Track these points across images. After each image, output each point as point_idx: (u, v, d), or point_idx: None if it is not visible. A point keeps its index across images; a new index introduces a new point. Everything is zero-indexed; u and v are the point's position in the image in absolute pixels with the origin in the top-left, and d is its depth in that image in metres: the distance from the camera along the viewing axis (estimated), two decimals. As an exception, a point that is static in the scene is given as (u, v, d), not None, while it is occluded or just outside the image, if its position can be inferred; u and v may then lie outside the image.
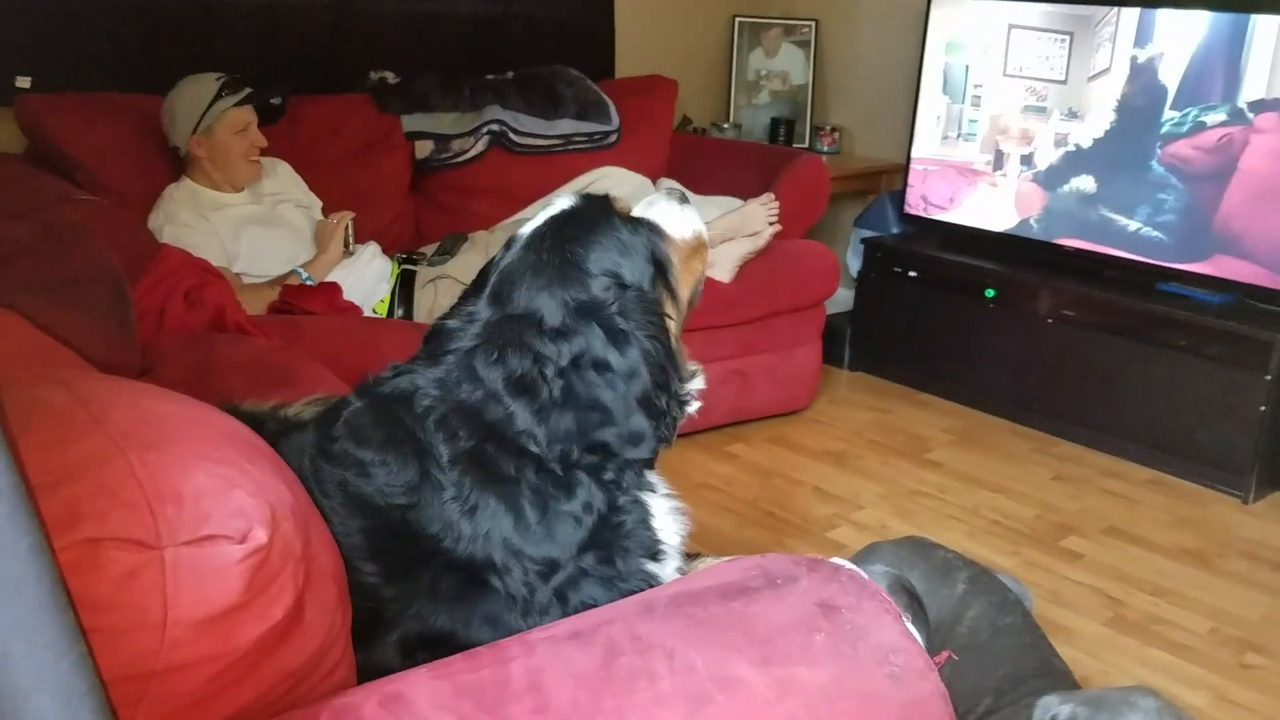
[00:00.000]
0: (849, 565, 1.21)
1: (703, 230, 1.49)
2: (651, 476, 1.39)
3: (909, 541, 2.23)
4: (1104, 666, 2.40)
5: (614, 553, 1.28)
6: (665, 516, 1.37)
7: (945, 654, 1.84)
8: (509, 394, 1.25)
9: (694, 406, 1.41)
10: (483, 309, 1.32)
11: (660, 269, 1.38)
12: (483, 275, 1.38)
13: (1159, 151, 3.44)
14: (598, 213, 1.37)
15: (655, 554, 1.32)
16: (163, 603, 0.77)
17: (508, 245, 1.38)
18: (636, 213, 1.45)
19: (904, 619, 1.12)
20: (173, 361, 2.17)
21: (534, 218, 1.39)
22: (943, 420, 3.76)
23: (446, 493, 1.22)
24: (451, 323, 1.33)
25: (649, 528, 1.32)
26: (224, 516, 0.80)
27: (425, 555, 1.21)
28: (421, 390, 1.28)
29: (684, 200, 1.50)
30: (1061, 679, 1.91)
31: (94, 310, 1.86)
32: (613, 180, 3.76)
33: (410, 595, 1.20)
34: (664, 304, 1.37)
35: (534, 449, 1.25)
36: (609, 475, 1.30)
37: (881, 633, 1.07)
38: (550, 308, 1.28)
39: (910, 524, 3.00)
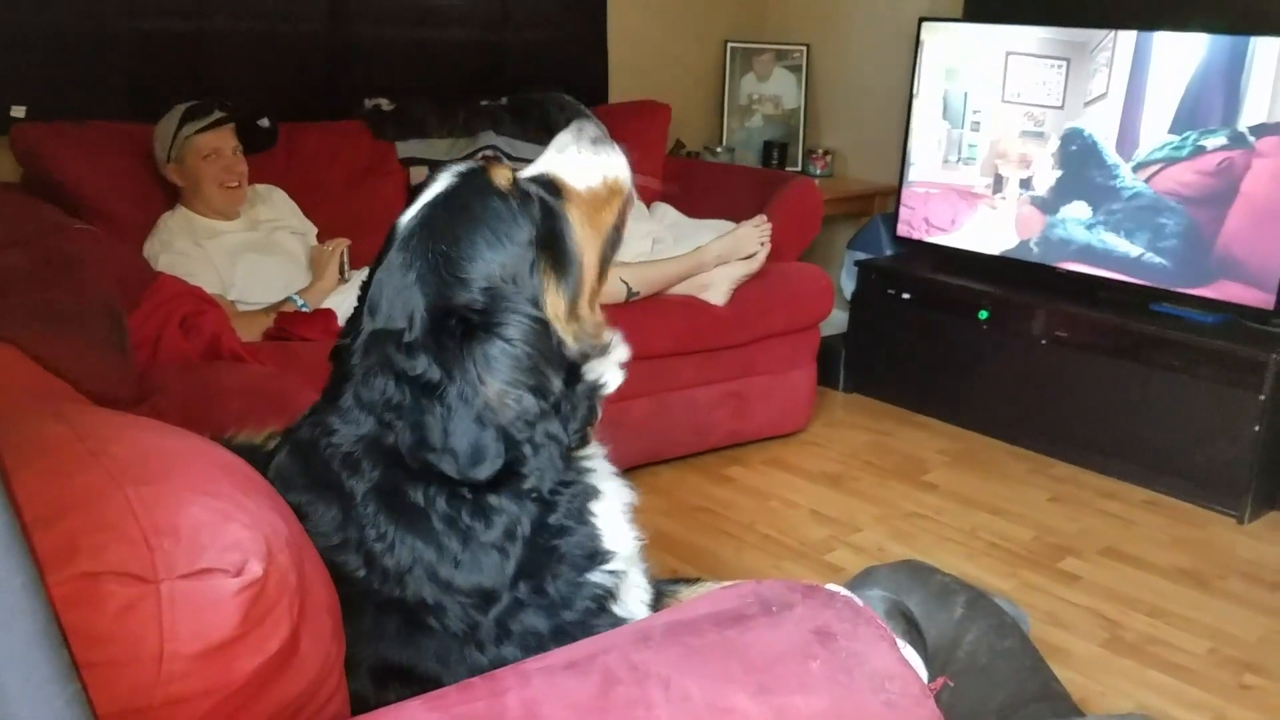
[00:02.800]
0: (844, 591, 1.21)
1: (618, 175, 1.37)
2: (590, 462, 1.31)
3: (906, 565, 2.23)
4: (1102, 688, 2.40)
5: (545, 581, 1.22)
6: (611, 511, 1.30)
7: (941, 680, 1.83)
8: (392, 418, 1.19)
9: (610, 385, 1.32)
10: (365, 319, 1.25)
11: (546, 243, 1.27)
12: (370, 276, 1.29)
13: (1158, 175, 3.45)
14: (470, 195, 1.26)
15: (599, 563, 1.26)
16: (159, 636, 0.77)
17: (388, 238, 1.28)
18: (540, 165, 1.36)
19: (900, 645, 1.12)
20: (168, 390, 2.17)
21: (415, 201, 1.29)
22: (939, 442, 3.76)
23: (367, 531, 1.18)
24: (344, 340, 1.28)
25: (588, 541, 1.26)
26: (220, 550, 0.80)
27: (358, 597, 1.17)
28: (325, 428, 1.23)
29: (597, 140, 1.37)
30: (1061, 703, 1.91)
31: (90, 339, 1.86)
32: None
33: (356, 637, 1.14)
34: (545, 288, 1.26)
35: (438, 468, 1.18)
36: (528, 484, 1.22)
37: (877, 659, 1.07)
38: (409, 319, 1.19)
39: (907, 546, 3.00)
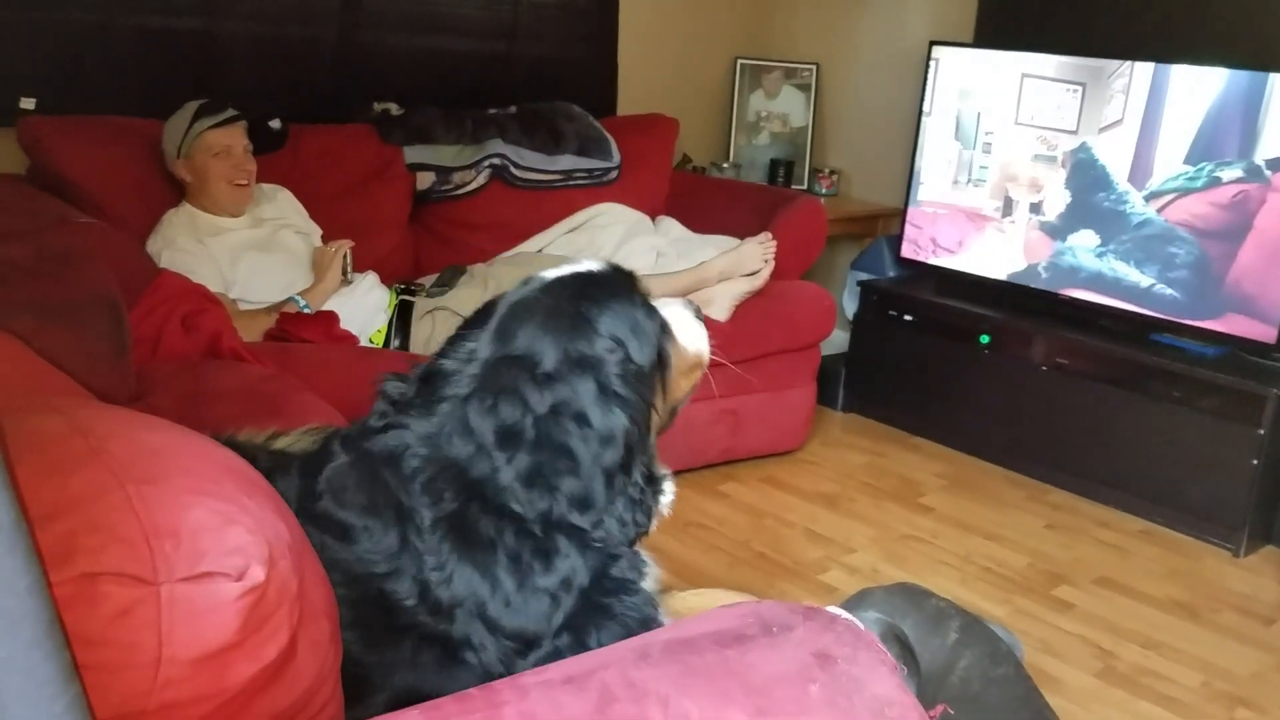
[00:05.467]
0: (845, 614, 1.20)
1: (705, 353, 1.48)
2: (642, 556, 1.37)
3: (901, 588, 2.22)
4: (1093, 719, 2.39)
5: (588, 636, 1.25)
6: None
7: (941, 707, 1.82)
8: (497, 447, 1.22)
9: (664, 507, 1.39)
10: (484, 345, 1.28)
11: (663, 361, 1.36)
12: (489, 308, 1.34)
13: (1171, 206, 3.44)
14: (621, 284, 1.36)
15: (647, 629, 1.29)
16: (157, 640, 0.76)
17: (525, 282, 1.35)
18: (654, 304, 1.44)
19: (900, 671, 1.11)
20: (166, 387, 2.17)
21: (549, 264, 1.38)
22: (936, 465, 3.76)
23: (426, 561, 1.19)
24: (449, 364, 1.29)
25: (644, 607, 1.29)
26: (222, 553, 0.79)
27: (403, 627, 1.18)
28: (411, 450, 1.24)
29: (699, 315, 1.49)
30: (1053, 732, 1.89)
31: (90, 334, 1.85)
32: (611, 216, 3.78)
33: (391, 665, 1.16)
34: (656, 394, 1.35)
35: (515, 508, 1.22)
36: (596, 535, 1.27)
37: (877, 685, 1.07)
38: (550, 353, 1.25)
39: (902, 569, 2.99)
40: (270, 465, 1.33)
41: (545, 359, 1.25)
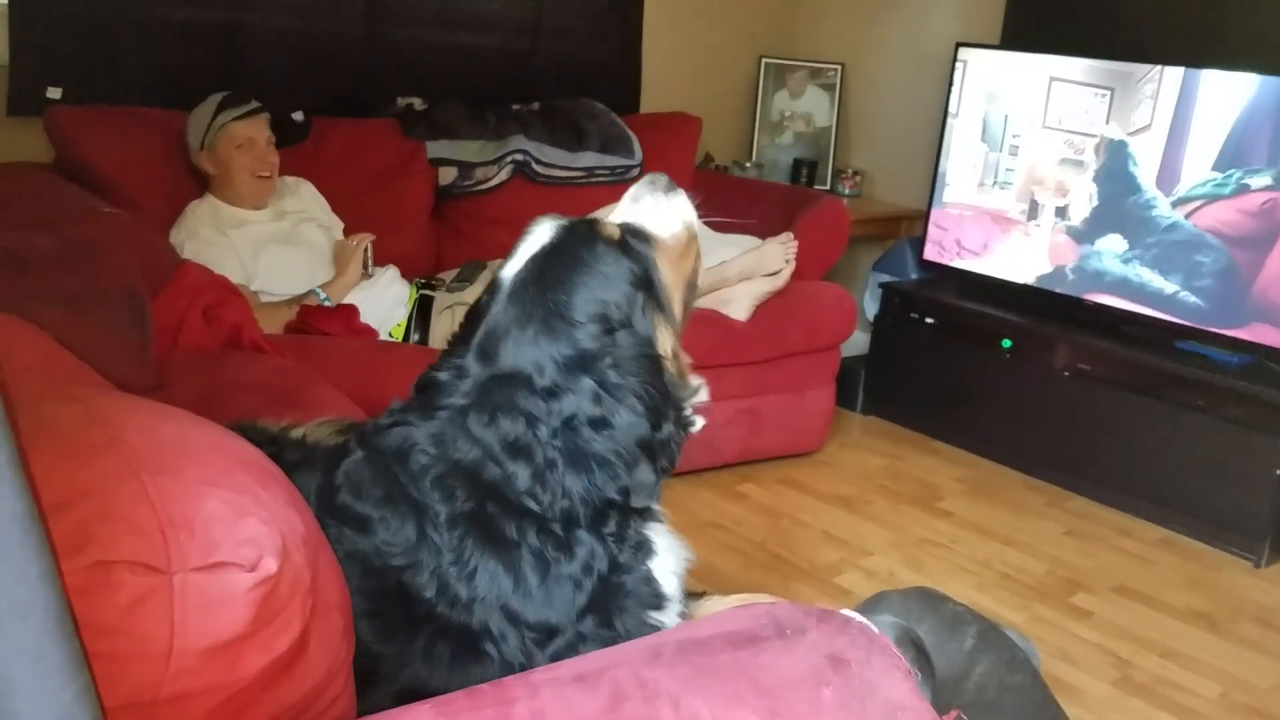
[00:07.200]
0: (859, 618, 1.20)
1: (692, 219, 1.43)
2: (654, 512, 1.35)
3: (918, 592, 2.21)
4: (1110, 728, 2.37)
5: (613, 614, 1.25)
6: (666, 555, 1.34)
7: (955, 713, 1.81)
8: (506, 456, 1.22)
9: (698, 425, 1.36)
10: (471, 364, 1.27)
11: (648, 288, 1.32)
12: (470, 321, 1.33)
13: (1198, 212, 3.41)
14: (577, 245, 1.31)
15: (658, 605, 1.29)
16: (169, 630, 0.75)
17: (491, 290, 1.32)
18: (619, 213, 1.40)
19: (913, 676, 1.10)
20: (186, 378, 2.17)
21: (515, 256, 1.34)
22: (955, 469, 3.74)
23: (444, 556, 1.19)
24: (441, 375, 1.29)
25: (651, 581, 1.29)
26: (235, 544, 0.79)
27: (420, 618, 1.18)
28: (419, 446, 1.24)
29: (670, 189, 1.43)
30: (1068, 740, 1.88)
31: (112, 324, 1.86)
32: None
33: (406, 656, 1.17)
34: (655, 329, 1.32)
35: (535, 508, 1.22)
36: (610, 528, 1.26)
37: (891, 690, 1.06)
38: (539, 366, 1.24)
39: (919, 573, 2.98)
40: (300, 458, 1.33)
41: (537, 374, 1.24)
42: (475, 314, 1.33)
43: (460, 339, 1.33)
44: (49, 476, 0.77)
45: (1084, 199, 3.69)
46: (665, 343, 1.34)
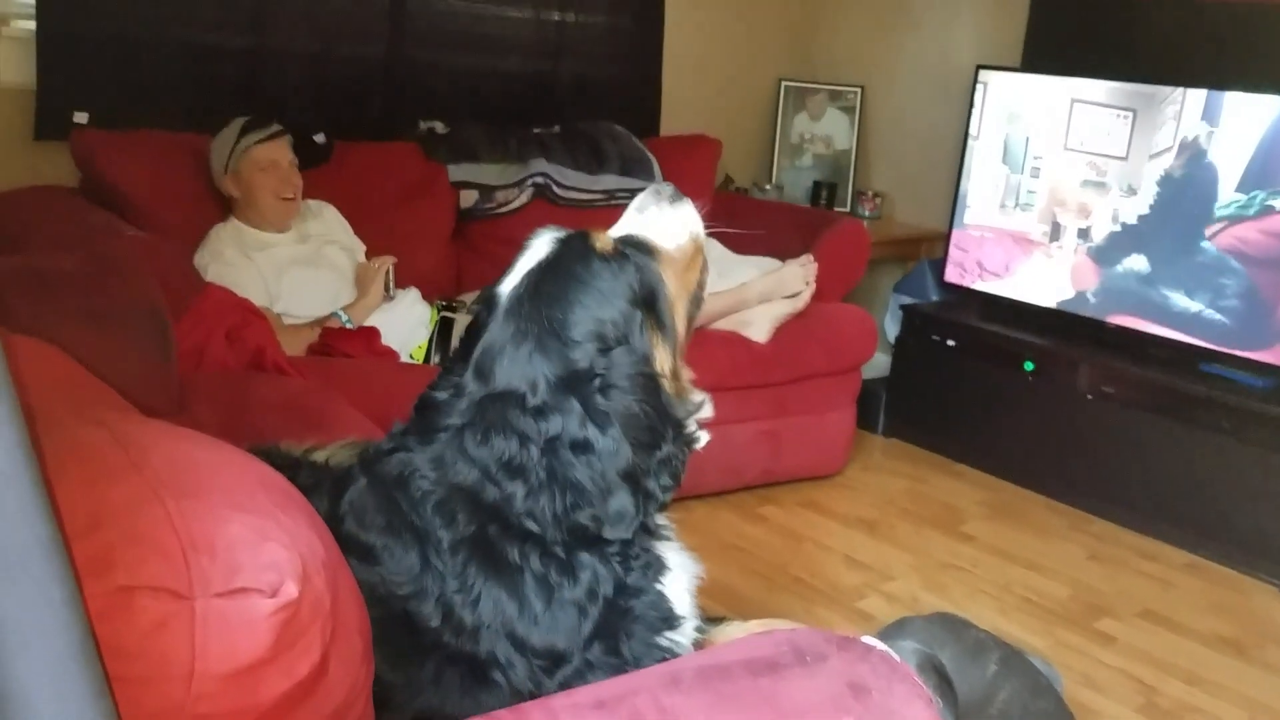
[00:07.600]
0: (881, 645, 1.19)
1: (698, 230, 1.41)
2: (662, 528, 1.34)
3: (940, 618, 2.19)
4: (1136, 756, 2.34)
5: (620, 641, 1.23)
6: (677, 572, 1.32)
7: (975, 739, 1.79)
8: (504, 476, 1.21)
9: (702, 441, 1.34)
10: (468, 381, 1.26)
11: (649, 303, 1.30)
12: (469, 337, 1.32)
13: (1221, 234, 3.39)
14: (574, 261, 1.29)
15: (671, 626, 1.28)
16: (191, 654, 0.76)
17: (489, 306, 1.31)
18: (624, 224, 1.39)
19: (935, 704, 1.09)
20: (209, 400, 2.18)
21: (513, 271, 1.32)
22: (977, 492, 3.71)
23: (449, 583, 1.19)
24: (439, 394, 1.29)
25: (661, 603, 1.27)
26: (257, 569, 0.79)
27: (427, 647, 1.18)
28: (419, 472, 1.23)
29: (676, 198, 1.41)
30: (1093, 768, 1.86)
31: (136, 345, 1.87)
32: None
33: (415, 685, 1.16)
34: (654, 347, 1.30)
35: (536, 530, 1.21)
36: (614, 549, 1.25)
37: (913, 718, 1.05)
38: (532, 384, 1.22)
39: (941, 597, 2.95)
40: (311, 482, 1.34)
41: (530, 393, 1.22)
42: (473, 330, 1.32)
43: (459, 356, 1.32)
44: (73, 500, 0.78)
45: (1106, 220, 3.67)
46: (663, 360, 1.31)
